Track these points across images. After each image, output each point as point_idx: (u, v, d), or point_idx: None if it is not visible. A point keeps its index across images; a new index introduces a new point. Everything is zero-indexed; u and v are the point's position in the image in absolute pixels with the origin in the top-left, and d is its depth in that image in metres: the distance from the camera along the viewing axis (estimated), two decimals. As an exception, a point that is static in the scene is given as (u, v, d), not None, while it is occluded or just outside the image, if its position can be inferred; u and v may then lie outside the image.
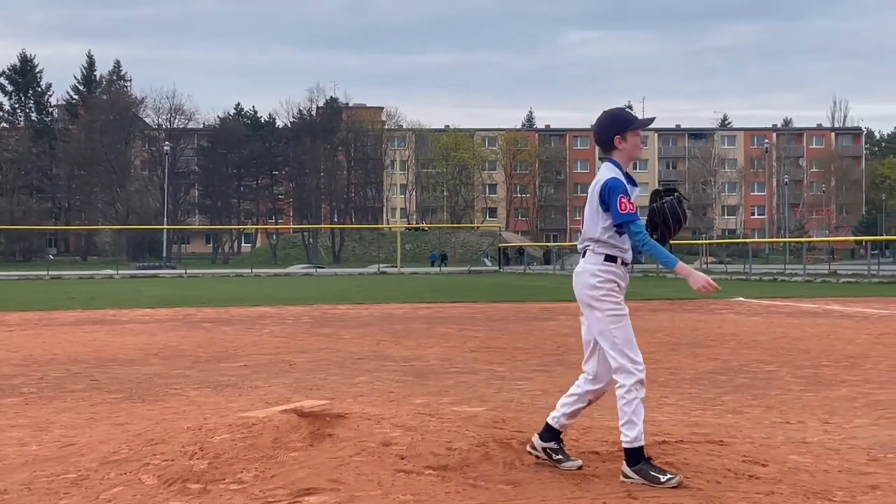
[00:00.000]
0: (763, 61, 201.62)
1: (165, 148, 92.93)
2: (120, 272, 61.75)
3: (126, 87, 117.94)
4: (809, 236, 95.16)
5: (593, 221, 5.49)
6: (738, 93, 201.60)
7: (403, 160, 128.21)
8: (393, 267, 71.87)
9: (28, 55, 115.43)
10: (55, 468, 5.72)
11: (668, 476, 5.20)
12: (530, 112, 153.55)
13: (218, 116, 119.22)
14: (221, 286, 41.85)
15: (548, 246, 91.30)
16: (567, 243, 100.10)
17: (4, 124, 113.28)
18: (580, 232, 5.74)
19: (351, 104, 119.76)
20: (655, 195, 5.67)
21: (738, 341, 14.47)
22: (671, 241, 5.67)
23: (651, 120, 6.19)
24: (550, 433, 5.58)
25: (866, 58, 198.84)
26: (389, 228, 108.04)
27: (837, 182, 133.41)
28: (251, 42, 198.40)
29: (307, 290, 35.48)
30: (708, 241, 59.50)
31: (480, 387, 9.80)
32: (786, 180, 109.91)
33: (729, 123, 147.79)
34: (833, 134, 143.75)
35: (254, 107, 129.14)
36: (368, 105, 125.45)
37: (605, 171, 5.55)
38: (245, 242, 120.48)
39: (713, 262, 65.17)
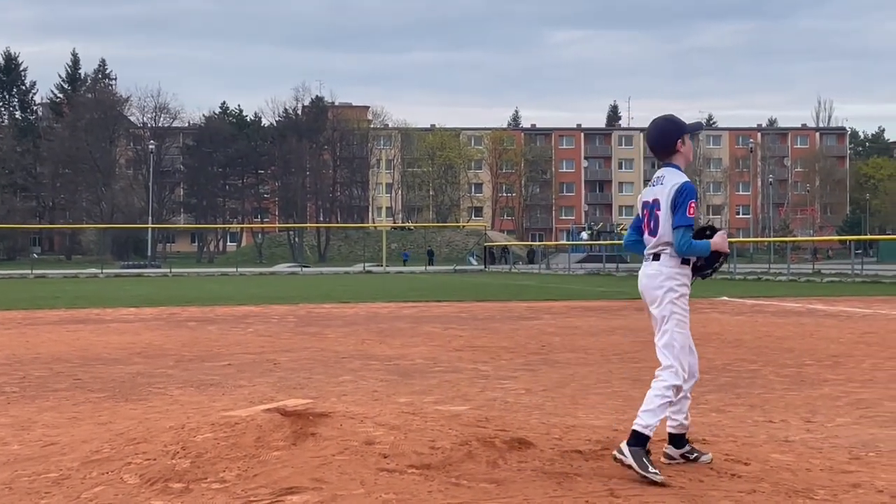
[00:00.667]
0: (748, 61, 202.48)
1: (150, 147, 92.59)
2: (104, 271, 61.55)
3: (111, 85, 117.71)
4: (794, 236, 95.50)
5: (669, 224, 5.57)
6: (723, 93, 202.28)
7: (389, 159, 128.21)
8: (378, 266, 71.83)
9: (12, 53, 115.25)
10: (37, 467, 5.69)
11: (655, 471, 5.24)
12: (516, 111, 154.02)
13: (203, 115, 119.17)
14: (206, 285, 41.76)
15: (532, 245, 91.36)
16: (552, 242, 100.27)
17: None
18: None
19: (337, 103, 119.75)
20: (702, 232, 5.74)
21: (722, 340, 14.51)
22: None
23: (702, 124, 6.38)
24: (679, 439, 5.69)
25: (851, 58, 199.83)
26: (375, 227, 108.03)
27: (822, 182, 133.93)
28: (237, 40, 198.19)
29: (292, 290, 35.43)
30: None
31: (464, 386, 9.80)
32: (770, 180, 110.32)
33: (714, 123, 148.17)
34: (817, 134, 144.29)
35: (239, 105, 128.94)
36: (354, 104, 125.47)
37: (676, 175, 5.67)
38: (230, 241, 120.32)
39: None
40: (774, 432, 7.06)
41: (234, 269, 66.24)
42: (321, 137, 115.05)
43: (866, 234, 79.84)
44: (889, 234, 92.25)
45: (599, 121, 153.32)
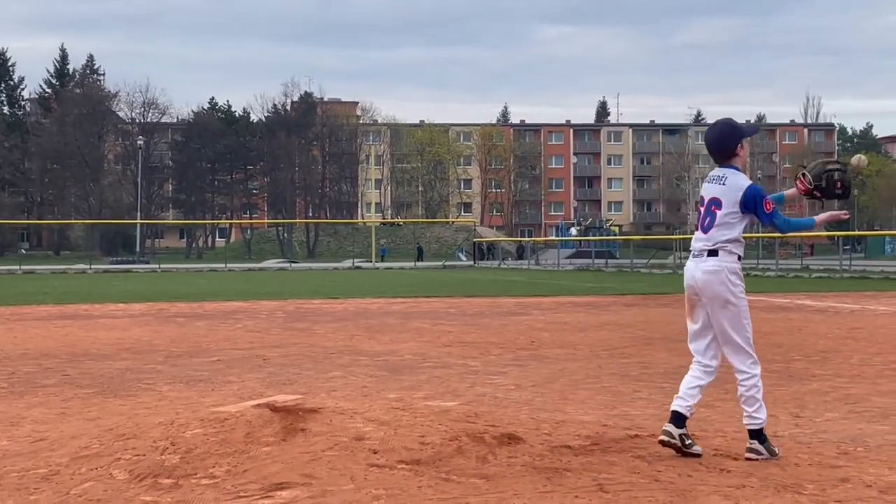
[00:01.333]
0: (736, 57, 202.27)
1: (139, 142, 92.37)
2: (93, 267, 61.39)
3: (99, 80, 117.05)
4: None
5: (730, 224, 5.88)
6: (712, 88, 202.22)
7: (378, 155, 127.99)
8: (367, 262, 71.78)
9: (0, 48, 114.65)
10: (26, 463, 5.68)
11: (776, 449, 5.88)
12: (505, 107, 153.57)
13: (192, 110, 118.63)
14: (195, 281, 41.68)
15: (521, 241, 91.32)
16: (541, 238, 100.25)
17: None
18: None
19: (326, 99, 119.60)
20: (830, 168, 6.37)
21: (711, 336, 14.51)
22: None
23: (757, 128, 6.79)
24: (683, 419, 5.89)
25: (839, 54, 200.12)
26: (364, 223, 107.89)
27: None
28: (225, 36, 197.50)
29: (281, 285, 35.39)
30: (682, 237, 59.77)
31: (454, 381, 9.81)
32: (759, 176, 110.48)
33: (703, 119, 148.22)
34: (806, 130, 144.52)
35: (228, 101, 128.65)
36: (343, 100, 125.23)
37: (740, 178, 5.93)
38: (219, 237, 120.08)
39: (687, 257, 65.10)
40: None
41: (223, 265, 66.07)
42: (310, 133, 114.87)
43: (854, 230, 79.92)
44: (877, 230, 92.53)
45: (588, 117, 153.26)
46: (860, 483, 5.29)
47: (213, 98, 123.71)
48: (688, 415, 5.87)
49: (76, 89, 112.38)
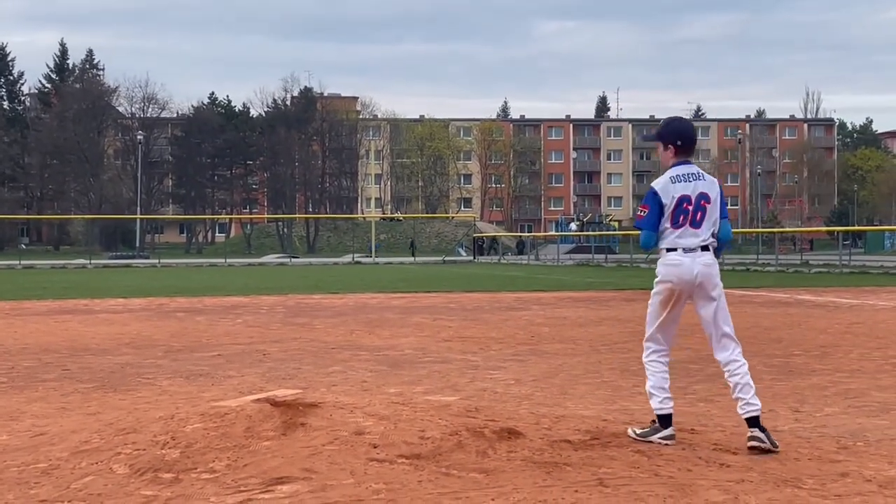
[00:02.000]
0: (736, 52, 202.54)
1: (139, 137, 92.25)
2: (93, 262, 61.33)
3: (99, 75, 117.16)
4: (782, 227, 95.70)
5: (714, 219, 6.10)
6: (712, 84, 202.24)
7: (378, 150, 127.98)
8: (367, 257, 71.75)
9: (0, 43, 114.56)
10: (26, 458, 5.69)
11: (775, 441, 5.89)
12: (505, 102, 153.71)
13: (192, 105, 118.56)
14: (195, 276, 41.68)
15: (521, 236, 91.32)
16: (541, 233, 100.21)
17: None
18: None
19: (325, 94, 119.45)
20: None
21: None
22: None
23: None
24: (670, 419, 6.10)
25: (839, 49, 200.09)
26: (364, 218, 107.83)
27: (810, 173, 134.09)
28: (225, 31, 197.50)
29: (281, 280, 35.39)
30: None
31: (454, 376, 9.81)
32: (759, 171, 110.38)
33: (702, 114, 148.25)
34: (806, 125, 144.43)
35: (228, 96, 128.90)
36: (343, 95, 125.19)
37: (706, 174, 6.21)
38: (219, 232, 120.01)
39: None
40: (763, 422, 7.08)
41: (223, 260, 66.04)
42: (310, 128, 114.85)
43: (854, 225, 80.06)
44: (876, 225, 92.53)
45: (588, 112, 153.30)
46: (860, 477, 5.30)
47: (212, 93, 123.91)
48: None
49: (76, 84, 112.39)
